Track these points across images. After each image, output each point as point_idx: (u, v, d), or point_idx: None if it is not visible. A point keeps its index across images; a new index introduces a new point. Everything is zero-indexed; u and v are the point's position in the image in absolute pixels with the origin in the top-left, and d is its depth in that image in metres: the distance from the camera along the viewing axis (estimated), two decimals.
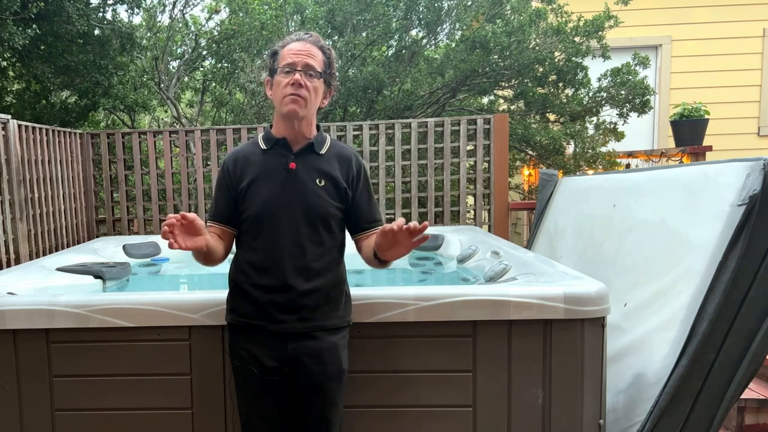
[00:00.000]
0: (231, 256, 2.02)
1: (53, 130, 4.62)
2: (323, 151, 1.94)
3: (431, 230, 4.54)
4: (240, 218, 1.91)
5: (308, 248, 1.86)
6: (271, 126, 1.98)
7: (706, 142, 6.40)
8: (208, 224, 1.94)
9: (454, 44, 6.54)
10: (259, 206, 1.82)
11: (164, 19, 7.41)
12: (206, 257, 1.88)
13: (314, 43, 1.87)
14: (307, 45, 1.86)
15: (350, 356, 2.01)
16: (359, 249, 2.02)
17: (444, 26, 6.61)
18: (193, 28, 7.69)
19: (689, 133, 6.42)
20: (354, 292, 2.11)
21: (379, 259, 1.87)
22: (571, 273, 2.43)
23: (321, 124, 2.01)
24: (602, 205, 3.24)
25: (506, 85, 6.58)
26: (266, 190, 1.87)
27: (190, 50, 7.43)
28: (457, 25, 6.56)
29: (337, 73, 1.97)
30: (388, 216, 5.18)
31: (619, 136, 6.33)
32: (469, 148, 5.18)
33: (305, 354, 1.86)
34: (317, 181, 1.89)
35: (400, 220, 1.73)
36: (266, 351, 1.86)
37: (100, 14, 6.06)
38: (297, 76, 1.81)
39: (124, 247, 4.14)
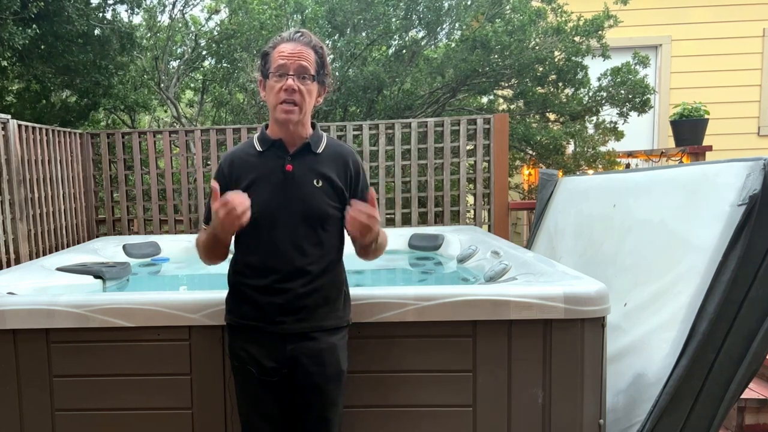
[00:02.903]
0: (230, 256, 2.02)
1: (53, 130, 4.62)
2: (320, 150, 1.92)
3: (431, 230, 4.54)
4: None
5: (307, 249, 1.86)
6: (266, 126, 1.96)
7: (706, 142, 6.39)
8: (203, 227, 1.93)
9: (453, 44, 6.54)
10: (257, 209, 1.79)
11: (164, 19, 7.42)
12: (216, 251, 1.91)
13: (306, 43, 1.83)
14: (299, 46, 1.81)
15: (350, 356, 2.00)
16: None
17: (444, 26, 6.61)
18: (193, 28, 7.69)
19: (689, 133, 6.42)
20: (354, 292, 2.11)
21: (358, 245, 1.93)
22: (571, 273, 2.43)
23: (320, 124, 2.00)
24: (602, 205, 3.24)
25: (506, 84, 6.57)
26: (264, 192, 1.85)
27: (190, 50, 7.43)
28: (457, 25, 6.56)
29: (330, 71, 1.94)
30: (388, 216, 5.18)
31: (618, 135, 6.33)
32: (469, 147, 5.18)
33: (304, 355, 1.86)
34: (315, 182, 1.87)
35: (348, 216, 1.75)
36: (265, 352, 1.86)
37: (100, 14, 6.05)
38: (290, 81, 1.78)
39: (124, 247, 4.14)
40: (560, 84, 6.33)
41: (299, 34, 1.85)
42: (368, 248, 1.90)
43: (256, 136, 1.97)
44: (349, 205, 1.78)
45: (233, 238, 1.95)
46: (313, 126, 1.95)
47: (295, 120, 1.84)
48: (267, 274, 1.85)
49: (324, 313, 1.90)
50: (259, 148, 1.92)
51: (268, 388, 1.89)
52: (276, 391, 1.89)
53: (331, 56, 6.04)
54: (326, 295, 1.90)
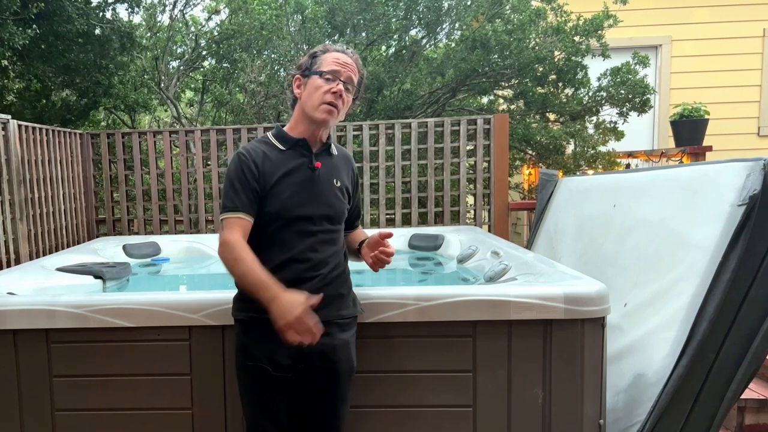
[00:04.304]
0: None
1: (53, 130, 4.62)
2: (335, 153, 2.05)
3: (431, 230, 4.54)
4: (262, 214, 1.90)
5: (326, 244, 1.93)
6: (282, 125, 2.01)
7: (706, 142, 6.39)
8: (235, 216, 1.85)
9: (453, 44, 6.54)
10: (283, 204, 1.87)
11: (164, 19, 7.42)
12: (246, 287, 1.90)
13: (356, 62, 1.98)
14: (350, 60, 1.95)
15: None
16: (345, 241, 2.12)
17: (444, 26, 6.61)
18: (193, 28, 7.70)
19: (689, 133, 6.41)
20: (354, 292, 2.11)
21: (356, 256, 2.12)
22: (571, 273, 2.43)
23: None
24: (602, 205, 3.24)
25: (506, 84, 6.57)
26: (293, 188, 1.90)
27: (190, 50, 7.43)
28: (457, 25, 6.55)
29: (360, 96, 2.07)
30: (388, 216, 5.18)
31: (618, 135, 6.33)
32: (469, 148, 5.18)
33: (318, 351, 1.88)
34: (335, 181, 1.99)
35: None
36: (281, 347, 1.85)
37: (100, 14, 6.06)
38: (341, 86, 1.89)
39: (124, 247, 4.14)
40: (560, 84, 6.32)
41: (351, 51, 1.99)
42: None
43: (272, 134, 2.01)
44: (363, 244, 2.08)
45: (253, 231, 1.92)
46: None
47: (331, 123, 1.94)
48: (286, 267, 1.87)
49: (338, 306, 1.96)
50: (281, 147, 1.96)
51: (280, 386, 1.90)
52: (287, 390, 1.91)
53: None
54: (339, 290, 1.97)
